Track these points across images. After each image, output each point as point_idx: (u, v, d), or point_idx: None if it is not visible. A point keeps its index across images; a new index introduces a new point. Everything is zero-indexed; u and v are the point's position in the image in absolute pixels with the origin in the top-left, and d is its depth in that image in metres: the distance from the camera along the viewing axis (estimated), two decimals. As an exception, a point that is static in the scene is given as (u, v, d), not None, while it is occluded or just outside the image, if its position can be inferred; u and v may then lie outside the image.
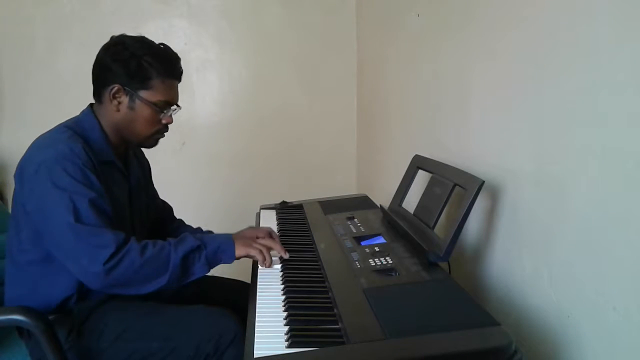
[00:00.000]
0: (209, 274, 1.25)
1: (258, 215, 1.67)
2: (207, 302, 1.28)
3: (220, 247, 1.19)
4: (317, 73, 2.63)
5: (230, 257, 1.20)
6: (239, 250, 1.20)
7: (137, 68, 1.21)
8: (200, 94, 2.57)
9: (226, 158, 2.64)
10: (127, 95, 1.23)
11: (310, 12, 2.57)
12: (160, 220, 1.54)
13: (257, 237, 1.26)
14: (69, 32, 2.42)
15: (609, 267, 0.89)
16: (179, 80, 1.30)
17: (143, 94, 1.23)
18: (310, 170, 2.67)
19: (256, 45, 2.58)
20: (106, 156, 1.25)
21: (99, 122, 1.26)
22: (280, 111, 2.63)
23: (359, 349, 0.83)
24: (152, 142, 1.32)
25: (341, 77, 2.64)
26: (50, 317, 1.16)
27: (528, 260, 1.13)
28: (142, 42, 1.24)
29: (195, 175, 2.64)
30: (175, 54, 1.29)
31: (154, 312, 1.22)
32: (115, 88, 1.22)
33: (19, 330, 1.23)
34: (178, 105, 1.31)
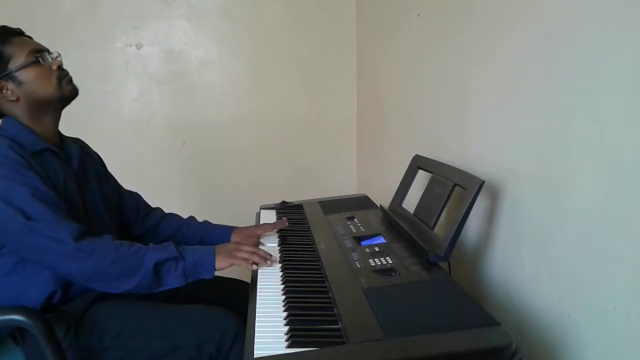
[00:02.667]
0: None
1: (258, 215, 1.67)
2: (206, 302, 1.28)
3: (199, 261, 1.18)
4: (317, 73, 2.63)
5: (210, 272, 1.19)
6: (221, 263, 1.19)
7: None
8: (200, 94, 2.57)
9: (226, 158, 2.64)
10: (7, 80, 1.22)
11: (310, 12, 2.57)
12: (127, 209, 1.50)
13: (242, 245, 1.25)
14: (69, 32, 2.42)
15: (609, 267, 0.89)
16: (24, 34, 1.28)
17: (12, 65, 1.22)
18: (310, 170, 2.67)
19: (256, 45, 2.58)
20: (38, 145, 1.23)
21: (18, 121, 1.24)
22: (280, 111, 2.63)
23: (359, 349, 0.83)
24: (67, 89, 1.27)
25: (341, 77, 2.64)
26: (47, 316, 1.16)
27: (528, 260, 1.13)
28: None
29: (195, 175, 2.64)
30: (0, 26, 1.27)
31: (155, 310, 1.22)
32: None
33: (13, 336, 1.21)
34: (50, 52, 1.27)
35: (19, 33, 1.27)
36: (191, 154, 2.61)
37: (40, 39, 1.30)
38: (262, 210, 1.71)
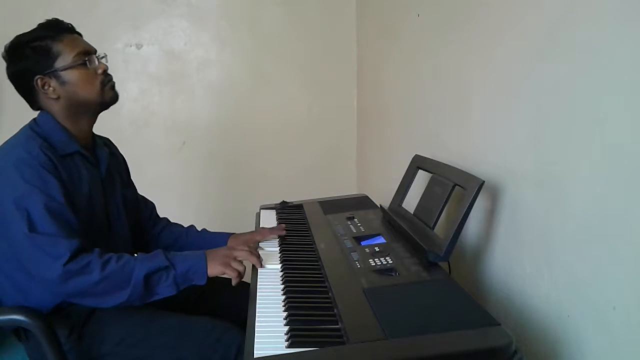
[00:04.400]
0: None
1: (258, 215, 1.67)
2: (206, 302, 1.27)
3: (191, 268, 1.15)
4: (317, 73, 2.63)
5: (202, 279, 1.16)
6: (214, 270, 1.16)
7: (35, 51, 1.20)
8: (200, 94, 2.57)
9: (226, 158, 2.64)
10: (50, 77, 1.21)
11: (310, 12, 2.57)
12: (140, 218, 1.50)
13: (235, 251, 1.21)
14: (69, 32, 2.42)
15: (609, 267, 0.89)
16: (75, 32, 1.28)
17: (59, 64, 1.21)
18: (310, 170, 2.67)
19: (256, 45, 2.58)
20: (69, 148, 1.23)
21: (54, 118, 1.24)
22: (280, 111, 2.63)
23: (359, 349, 0.83)
24: (108, 95, 1.28)
25: (341, 77, 2.64)
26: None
27: (528, 260, 1.13)
28: (20, 36, 1.23)
29: (195, 175, 2.64)
30: (52, 19, 1.27)
31: (158, 320, 1.21)
32: (39, 80, 1.21)
33: (17, 333, 1.21)
34: (97, 52, 1.27)
35: (70, 30, 1.27)
36: (191, 154, 2.61)
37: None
38: (262, 210, 1.71)
